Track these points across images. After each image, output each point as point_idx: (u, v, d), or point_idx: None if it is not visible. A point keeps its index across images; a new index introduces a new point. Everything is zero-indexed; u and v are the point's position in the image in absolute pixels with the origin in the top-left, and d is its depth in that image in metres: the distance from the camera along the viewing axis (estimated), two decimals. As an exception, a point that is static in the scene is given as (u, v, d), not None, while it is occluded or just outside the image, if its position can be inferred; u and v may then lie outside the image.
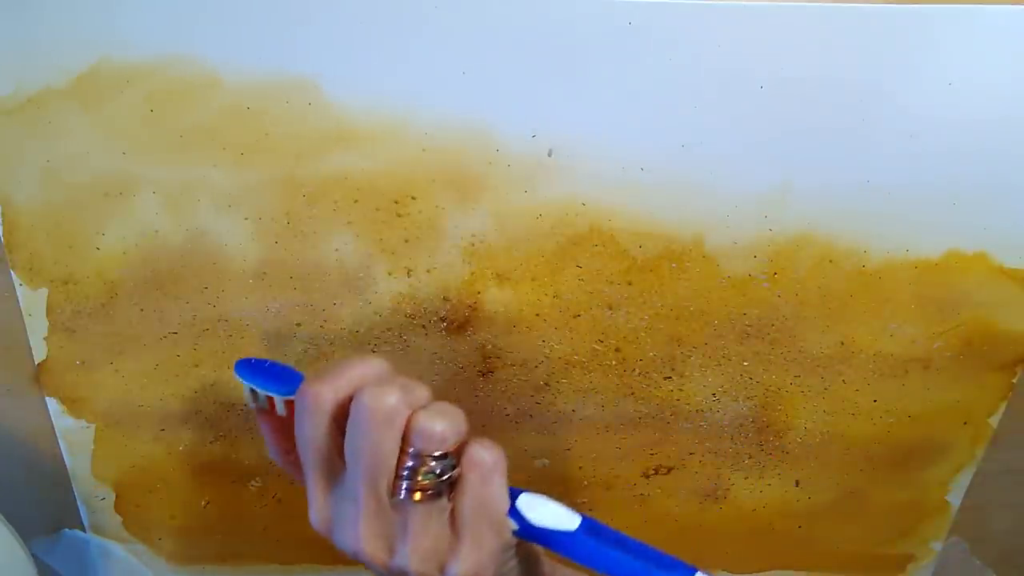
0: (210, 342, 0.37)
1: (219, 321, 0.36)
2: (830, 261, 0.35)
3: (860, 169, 0.33)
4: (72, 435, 0.39)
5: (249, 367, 0.29)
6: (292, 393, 0.27)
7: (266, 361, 0.30)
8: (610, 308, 0.36)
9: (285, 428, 0.28)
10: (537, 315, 0.36)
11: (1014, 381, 0.38)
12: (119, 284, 0.35)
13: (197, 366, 0.37)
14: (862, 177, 0.33)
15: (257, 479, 0.41)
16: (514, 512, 0.27)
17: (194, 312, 0.36)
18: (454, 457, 0.26)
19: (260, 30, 0.30)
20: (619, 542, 0.26)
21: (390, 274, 0.35)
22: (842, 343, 0.37)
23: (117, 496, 0.41)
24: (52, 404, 0.38)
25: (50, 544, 0.41)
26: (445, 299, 0.36)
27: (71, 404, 0.38)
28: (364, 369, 0.26)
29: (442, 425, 0.25)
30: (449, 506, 0.26)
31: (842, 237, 0.34)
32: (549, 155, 0.33)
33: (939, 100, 0.31)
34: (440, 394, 0.38)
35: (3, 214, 0.34)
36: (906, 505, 0.42)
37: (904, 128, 0.32)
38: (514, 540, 0.27)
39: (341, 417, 0.26)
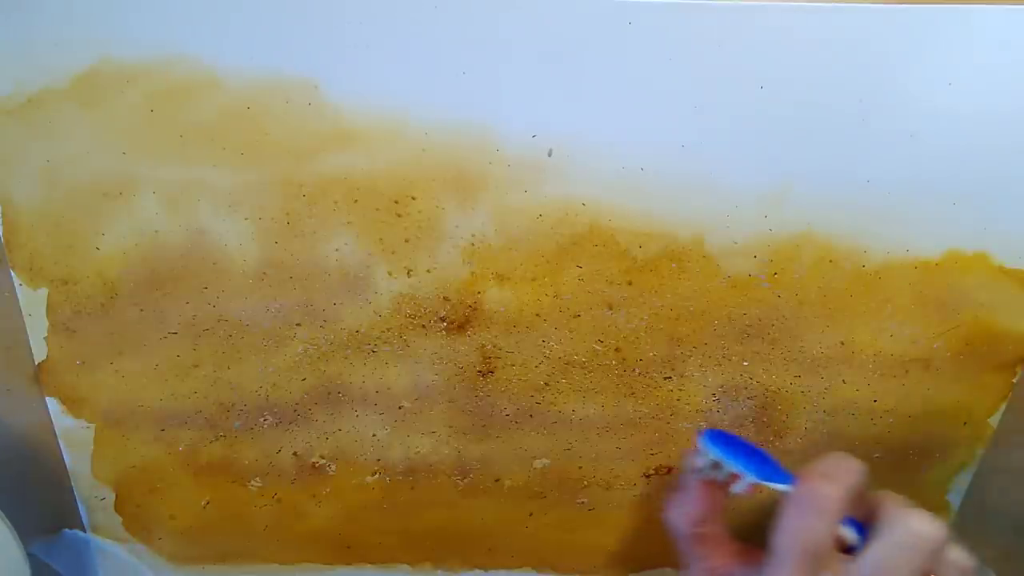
0: (210, 342, 0.37)
1: (219, 321, 0.36)
2: (830, 261, 0.35)
3: (860, 169, 0.33)
4: (72, 435, 0.39)
5: (717, 439, 0.31)
6: (776, 482, 0.29)
7: (727, 433, 0.32)
8: (610, 308, 0.36)
9: (717, 501, 0.31)
10: (537, 315, 0.36)
11: (1014, 381, 0.38)
12: (119, 284, 0.35)
13: (197, 366, 0.37)
14: (862, 177, 0.33)
15: (257, 479, 0.41)
16: None
17: (194, 312, 0.36)
18: None
19: (260, 30, 0.30)
20: None
21: (390, 274, 0.35)
22: (842, 343, 0.37)
23: (117, 496, 0.41)
24: (52, 404, 0.38)
25: (50, 544, 0.41)
26: (445, 299, 0.36)
27: (71, 404, 0.38)
28: (859, 475, 0.28)
29: (968, 561, 0.26)
30: None
31: (842, 237, 0.34)
32: (549, 155, 0.33)
33: (939, 100, 0.31)
34: (440, 394, 0.38)
35: (3, 214, 0.34)
36: (906, 505, 0.42)
37: (904, 128, 0.32)
38: None
39: (840, 519, 0.27)
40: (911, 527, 0.26)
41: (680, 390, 0.38)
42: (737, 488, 0.30)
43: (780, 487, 0.29)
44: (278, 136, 0.32)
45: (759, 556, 0.30)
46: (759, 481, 0.29)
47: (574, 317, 0.36)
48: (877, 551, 0.26)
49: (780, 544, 0.27)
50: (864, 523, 0.29)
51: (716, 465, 0.31)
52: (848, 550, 0.28)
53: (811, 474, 0.27)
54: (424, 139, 0.32)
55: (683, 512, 0.32)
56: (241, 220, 0.34)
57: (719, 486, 0.31)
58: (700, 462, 0.31)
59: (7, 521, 0.35)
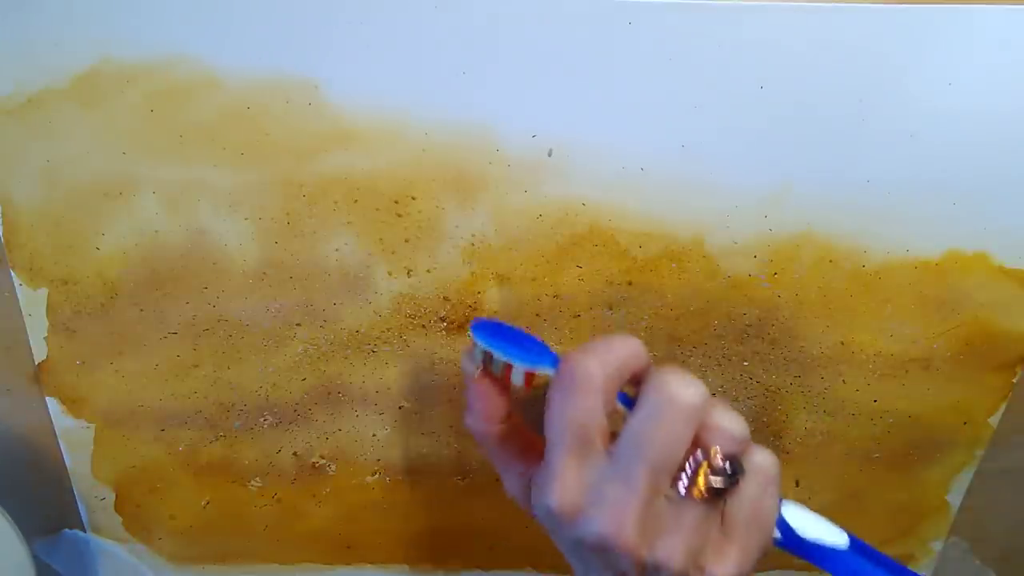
0: (210, 342, 0.37)
1: (219, 321, 0.36)
2: (830, 261, 0.35)
3: (860, 169, 0.33)
4: (72, 435, 0.39)
5: (486, 329, 0.28)
6: (539, 364, 0.27)
7: (500, 323, 0.29)
8: (610, 308, 0.36)
9: (502, 396, 0.28)
10: (537, 315, 0.36)
11: (1014, 381, 0.38)
12: (119, 284, 0.35)
13: (197, 366, 0.37)
14: (862, 177, 0.33)
15: (257, 479, 0.41)
16: (780, 522, 0.26)
17: (194, 312, 0.36)
18: (739, 461, 0.25)
19: (260, 30, 0.30)
20: (886, 564, 0.26)
21: (390, 274, 0.35)
22: (842, 343, 0.37)
23: (117, 496, 0.41)
24: (52, 404, 0.38)
25: (50, 544, 0.41)
26: (445, 299, 0.36)
27: (71, 404, 0.38)
28: (627, 350, 0.25)
29: (739, 425, 0.25)
30: (722, 507, 0.25)
31: (842, 237, 0.34)
32: (549, 155, 0.33)
33: (939, 100, 0.31)
34: (440, 394, 0.38)
35: (3, 214, 0.34)
36: (906, 505, 0.42)
37: (904, 128, 0.32)
38: (772, 550, 0.26)
39: (610, 396, 0.25)
40: (666, 393, 0.24)
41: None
42: (514, 379, 0.27)
43: (543, 371, 0.27)
44: (278, 136, 0.32)
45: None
46: (524, 366, 0.27)
47: (574, 317, 0.36)
48: (636, 420, 0.24)
49: (549, 429, 0.25)
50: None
51: (491, 358, 0.28)
52: None
53: (573, 353, 0.25)
54: (424, 139, 0.32)
55: (475, 415, 0.29)
56: (241, 220, 0.34)
57: (500, 379, 0.28)
58: (476, 357, 0.28)
59: (12, 521, 0.35)
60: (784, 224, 0.34)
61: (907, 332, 0.37)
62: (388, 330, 0.37)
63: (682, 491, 0.24)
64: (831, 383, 0.38)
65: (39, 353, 0.37)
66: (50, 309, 0.36)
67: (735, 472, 0.24)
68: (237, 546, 0.43)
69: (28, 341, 0.37)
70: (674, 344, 0.37)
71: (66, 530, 0.42)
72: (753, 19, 0.30)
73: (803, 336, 0.37)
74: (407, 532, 0.43)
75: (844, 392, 0.38)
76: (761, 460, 0.25)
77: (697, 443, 0.24)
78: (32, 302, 0.36)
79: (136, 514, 0.42)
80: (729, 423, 0.25)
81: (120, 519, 0.42)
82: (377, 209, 0.34)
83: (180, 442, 0.39)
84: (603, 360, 0.25)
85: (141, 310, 0.36)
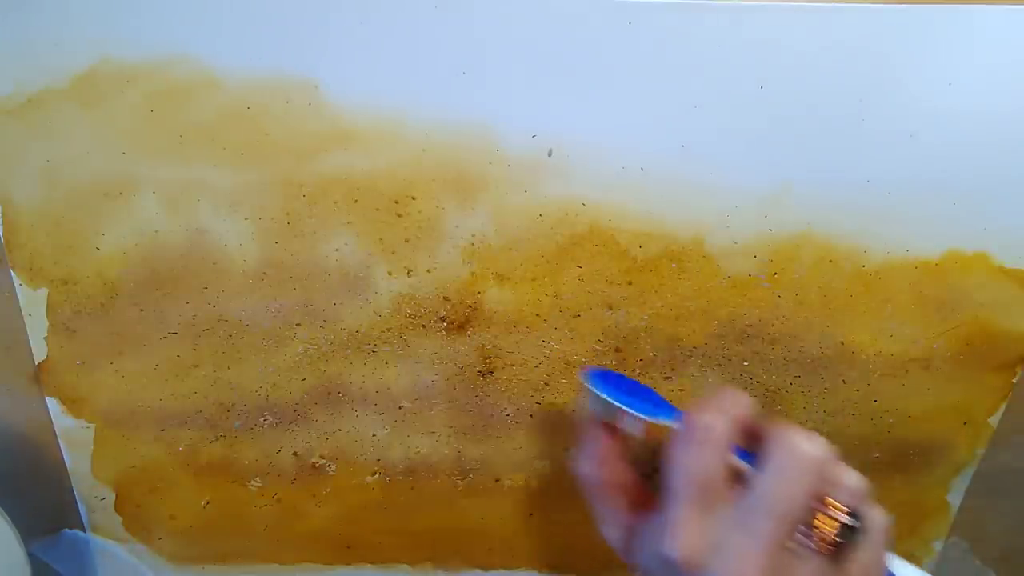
0: (210, 342, 0.37)
1: (219, 321, 0.36)
2: (830, 261, 0.35)
3: (860, 169, 0.33)
4: (72, 435, 0.39)
5: (601, 378, 0.30)
6: (659, 416, 0.28)
7: (614, 373, 0.31)
8: (610, 308, 0.36)
9: (616, 444, 0.30)
10: (537, 315, 0.36)
11: (1014, 381, 0.38)
12: (119, 284, 0.35)
13: (197, 366, 0.37)
14: (862, 177, 0.33)
15: (257, 479, 0.41)
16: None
17: (194, 312, 0.36)
18: (861, 518, 0.26)
19: (260, 30, 0.30)
20: None
21: (390, 274, 0.35)
22: (842, 343, 0.37)
23: (117, 496, 0.41)
24: (52, 404, 0.38)
25: (50, 544, 0.41)
26: (445, 299, 0.36)
27: (71, 404, 0.38)
28: (742, 405, 0.27)
29: (859, 481, 0.26)
30: (841, 561, 0.26)
31: (842, 237, 0.34)
32: (549, 155, 0.33)
33: (939, 100, 0.31)
34: (440, 394, 0.38)
35: (3, 214, 0.34)
36: (906, 505, 0.42)
37: (904, 128, 0.32)
38: None
39: (728, 450, 0.26)
40: (792, 448, 0.25)
41: (680, 390, 0.38)
42: (628, 427, 0.29)
43: (667, 422, 0.28)
44: (278, 136, 0.32)
45: (656, 510, 0.29)
46: (644, 417, 0.28)
47: (574, 317, 0.36)
48: (763, 477, 0.25)
49: (671, 480, 0.26)
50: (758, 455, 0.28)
51: (605, 406, 0.29)
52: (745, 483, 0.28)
53: (695, 407, 0.27)
54: (424, 139, 0.32)
55: (587, 461, 0.30)
56: (241, 220, 0.34)
57: (612, 429, 0.30)
58: (590, 404, 0.30)
59: (9, 521, 0.35)
60: (784, 224, 0.34)
61: (907, 332, 0.37)
62: (388, 330, 0.37)
63: (804, 544, 0.25)
64: (831, 383, 0.38)
65: (39, 353, 0.37)
66: (50, 309, 0.36)
67: (856, 526, 0.25)
68: (237, 546, 0.43)
69: (28, 341, 0.37)
70: (674, 344, 0.37)
71: (66, 530, 0.42)
72: (753, 19, 0.30)
73: (803, 336, 0.37)
74: (407, 532, 0.43)
75: (844, 392, 0.38)
76: (876, 516, 0.26)
77: (818, 497, 0.25)
78: (32, 302, 0.36)
79: (136, 514, 0.42)
80: (850, 478, 0.26)
81: (120, 519, 0.42)
82: (377, 209, 0.34)
83: (180, 442, 0.39)
84: (724, 415, 0.26)
85: (141, 310, 0.36)
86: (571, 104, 0.32)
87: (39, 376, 0.38)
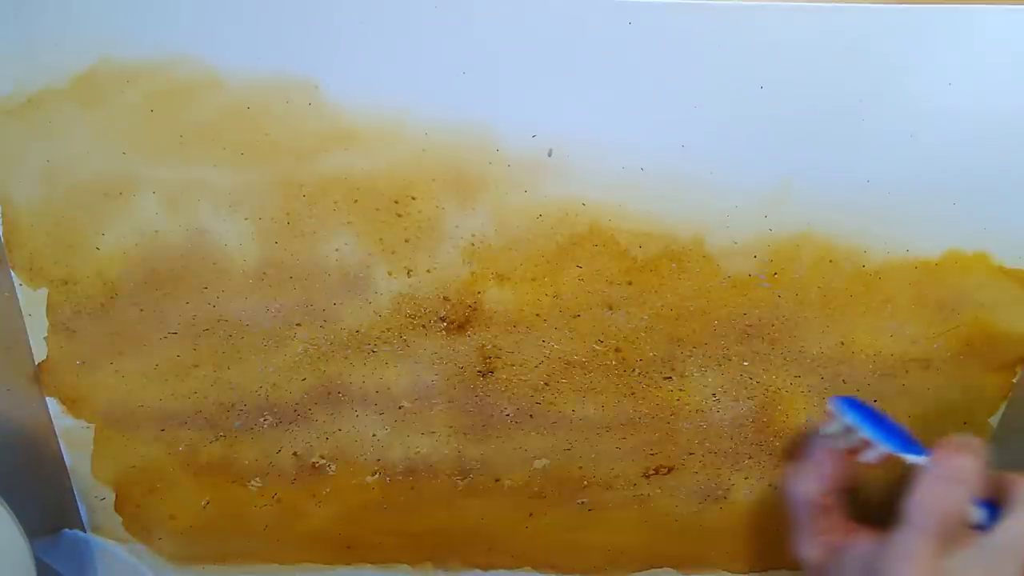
0: (210, 342, 0.37)
1: (219, 321, 0.36)
2: (830, 261, 0.35)
3: (860, 169, 0.33)
4: (72, 435, 0.39)
5: (852, 407, 0.32)
6: (911, 453, 0.30)
7: (860, 402, 0.33)
8: (610, 308, 0.36)
9: (843, 470, 0.31)
10: (537, 315, 0.36)
11: (1014, 381, 0.38)
12: (119, 284, 0.35)
13: (197, 366, 0.37)
14: (862, 177, 0.33)
15: (257, 479, 0.41)
16: None
17: (194, 312, 0.36)
18: None
19: (260, 30, 0.30)
20: None
21: (390, 274, 0.35)
22: (842, 343, 0.37)
23: (117, 496, 0.41)
24: (52, 404, 0.38)
25: (50, 544, 0.41)
26: (445, 299, 0.36)
27: (71, 404, 0.38)
28: (983, 452, 0.29)
29: None
30: None
31: (842, 237, 0.34)
32: (549, 155, 0.33)
33: (939, 100, 0.31)
34: (440, 394, 0.38)
35: (3, 214, 0.34)
36: (906, 505, 0.42)
37: (904, 128, 0.32)
38: None
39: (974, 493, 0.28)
40: None
41: (680, 390, 0.38)
42: (867, 457, 0.30)
43: (913, 458, 0.29)
44: (278, 136, 0.32)
45: (870, 535, 0.31)
46: (892, 451, 0.30)
47: (574, 317, 0.36)
48: (1011, 527, 0.27)
49: (914, 513, 0.28)
50: (989, 502, 0.30)
51: (847, 432, 0.31)
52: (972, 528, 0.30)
53: (948, 446, 0.28)
54: (424, 139, 0.32)
55: (809, 480, 0.32)
56: (241, 220, 0.34)
57: (847, 455, 0.31)
58: (832, 428, 0.32)
59: (17, 521, 0.35)
60: (784, 224, 0.34)
61: (907, 332, 0.37)
62: (388, 330, 0.37)
63: None
64: (831, 383, 0.38)
65: (39, 353, 0.37)
66: (50, 309, 0.36)
67: None
68: (237, 546, 0.43)
69: (28, 341, 0.37)
70: (674, 344, 0.37)
71: (66, 530, 0.42)
72: (753, 19, 0.30)
73: (803, 336, 0.37)
74: (407, 532, 0.43)
75: (844, 392, 0.38)
76: None
77: None
78: (32, 302, 0.36)
79: (136, 514, 0.42)
80: None
81: (120, 519, 0.42)
82: (377, 209, 0.34)
83: (180, 442, 0.39)
84: (976, 459, 0.28)
85: (141, 310, 0.36)
86: (571, 104, 0.32)
87: (39, 376, 0.38)
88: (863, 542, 0.32)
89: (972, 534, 0.28)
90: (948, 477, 0.28)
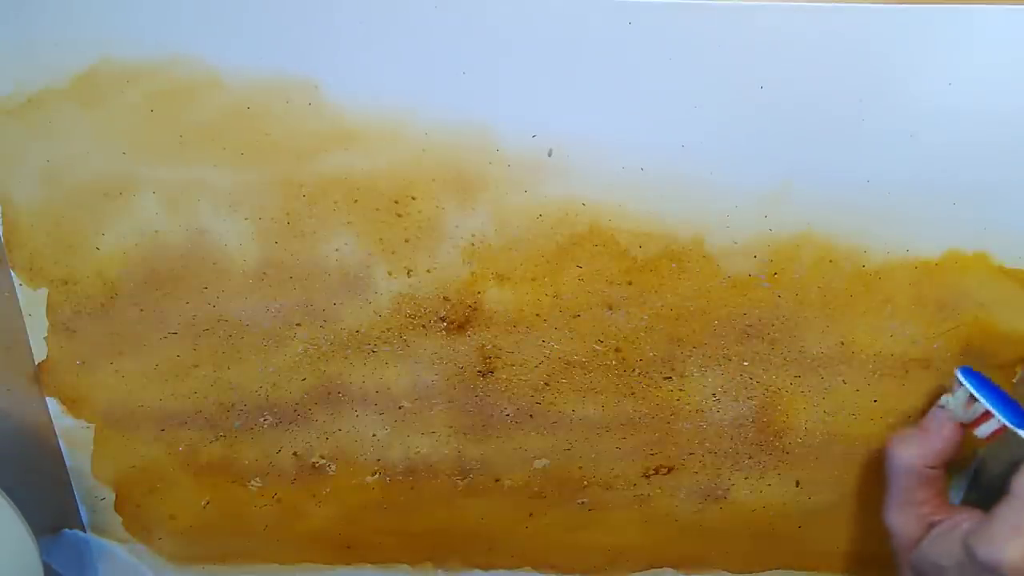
0: (210, 342, 0.37)
1: (219, 321, 0.36)
2: (830, 261, 0.35)
3: (860, 169, 0.33)
4: (72, 435, 0.39)
5: (976, 380, 0.32)
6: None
7: (983, 376, 0.33)
8: (610, 308, 0.36)
9: (954, 443, 0.31)
10: (537, 315, 0.36)
11: (1014, 381, 0.38)
12: (119, 284, 0.35)
13: (197, 366, 0.37)
14: (862, 177, 0.33)
15: (257, 479, 0.41)
16: None
17: (194, 312, 0.36)
18: None
19: (260, 30, 0.30)
20: None
21: (390, 274, 0.35)
22: (842, 343, 0.37)
23: (117, 496, 0.41)
24: (52, 404, 0.38)
25: (50, 544, 0.41)
26: (445, 299, 0.36)
27: (71, 404, 0.38)
28: None
29: None
30: None
31: (842, 237, 0.34)
32: (549, 155, 0.33)
33: (939, 100, 0.31)
34: (440, 394, 0.38)
35: (3, 214, 0.34)
36: (906, 505, 0.42)
37: (904, 128, 0.32)
38: None
39: None
40: None
41: (680, 390, 0.38)
42: (983, 430, 0.30)
43: None
44: (278, 136, 0.32)
45: (970, 513, 0.30)
46: (1011, 426, 0.29)
47: (574, 317, 0.36)
48: None
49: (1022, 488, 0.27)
50: None
51: (968, 403, 0.31)
52: None
53: None
54: (424, 139, 0.32)
55: (916, 447, 0.31)
56: (241, 220, 0.34)
57: (961, 428, 0.31)
58: (953, 399, 0.32)
59: (24, 521, 0.35)
60: (784, 224, 0.34)
61: (907, 332, 0.37)
62: (388, 330, 0.37)
63: None
64: (831, 383, 0.38)
65: (39, 353, 0.37)
66: (50, 309, 0.36)
67: None
68: (237, 546, 0.43)
69: (28, 341, 0.37)
70: (674, 344, 0.37)
71: (66, 530, 0.42)
72: (753, 19, 0.30)
73: (803, 336, 0.37)
74: (407, 532, 0.43)
75: (844, 392, 0.38)
76: None
77: None
78: (32, 302, 0.36)
79: (136, 514, 0.42)
80: None
81: (120, 519, 0.42)
82: (377, 209, 0.34)
83: (180, 442, 0.39)
84: None
85: (141, 310, 0.36)
86: (571, 104, 0.32)
87: (39, 376, 0.38)
88: (963, 518, 0.31)
89: None
90: None
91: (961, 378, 0.32)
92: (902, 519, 0.33)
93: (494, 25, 0.30)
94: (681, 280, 0.35)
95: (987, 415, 0.31)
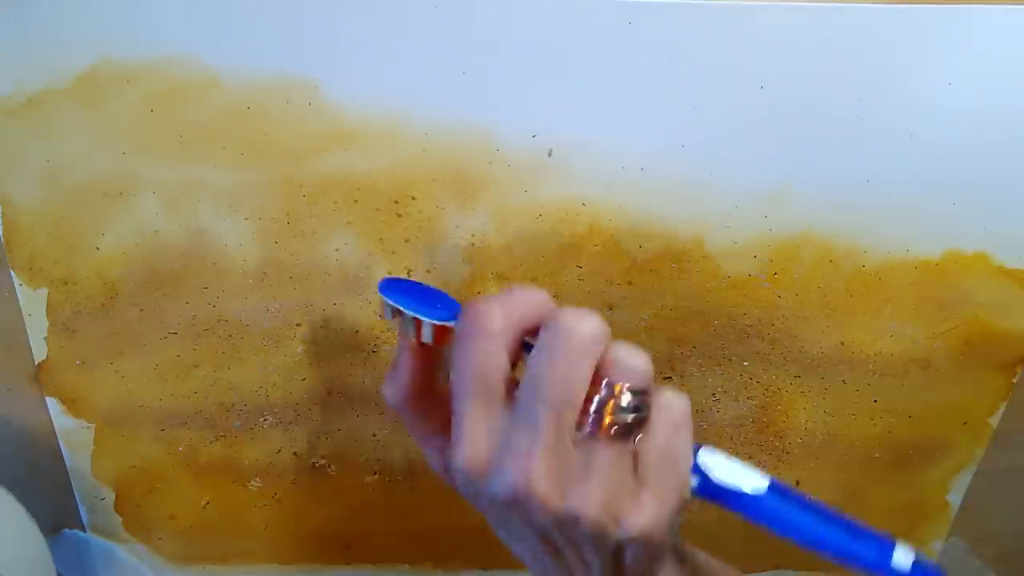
0: (210, 342, 0.37)
1: (219, 321, 0.36)
2: (830, 261, 0.35)
3: (860, 169, 0.33)
4: (72, 435, 0.39)
5: (395, 287, 0.27)
6: (448, 319, 0.25)
7: (411, 282, 0.28)
8: (610, 308, 0.36)
9: (420, 361, 0.26)
10: (537, 315, 0.36)
11: (1014, 381, 0.38)
12: (119, 284, 0.35)
13: (197, 366, 0.37)
14: (862, 177, 0.33)
15: (257, 479, 0.41)
16: (695, 468, 0.25)
17: (194, 312, 0.36)
18: (645, 397, 0.24)
19: (260, 30, 0.30)
20: (809, 507, 0.24)
21: (390, 274, 0.35)
22: (842, 343, 0.37)
23: (117, 496, 0.41)
24: (52, 404, 0.38)
25: (50, 544, 0.41)
26: (445, 299, 0.36)
27: (71, 404, 0.38)
28: (531, 297, 0.24)
29: (642, 359, 0.23)
30: (633, 450, 0.24)
31: (842, 237, 0.34)
32: (549, 155, 0.33)
33: (939, 100, 0.31)
34: (440, 394, 0.38)
35: (3, 214, 0.34)
36: (906, 505, 0.42)
37: (904, 128, 0.32)
38: (689, 500, 0.25)
39: (511, 343, 0.23)
40: (560, 326, 0.22)
41: (679, 389, 0.38)
42: (424, 337, 0.25)
43: (449, 322, 0.25)
44: (278, 136, 0.32)
45: None
46: (433, 320, 0.25)
47: (574, 317, 0.36)
48: (532, 360, 0.23)
49: (454, 380, 0.24)
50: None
51: (399, 315, 0.26)
52: None
53: (475, 302, 0.24)
54: (424, 139, 0.32)
55: (393, 384, 0.27)
56: (241, 220, 0.34)
57: (425, 352, 0.26)
58: (385, 314, 0.27)
59: (31, 517, 0.35)
60: (784, 224, 0.34)
61: (907, 332, 0.37)
62: (388, 330, 0.37)
63: (590, 430, 0.23)
64: (831, 383, 0.38)
65: (39, 353, 0.37)
66: (50, 309, 0.36)
67: (641, 407, 0.23)
68: (237, 546, 0.43)
69: (28, 341, 0.37)
70: (674, 344, 0.37)
71: (66, 530, 0.42)
72: (753, 19, 0.30)
73: (803, 336, 0.37)
74: (407, 532, 0.43)
75: (844, 392, 0.38)
76: (670, 399, 0.24)
77: (599, 381, 0.23)
78: (32, 302, 0.36)
79: (136, 514, 0.42)
80: (630, 358, 0.23)
81: (120, 519, 0.42)
82: (377, 209, 0.34)
83: (180, 442, 0.39)
84: (504, 305, 0.24)
85: (141, 310, 0.36)
86: (571, 104, 0.32)
87: (39, 376, 0.38)
88: None
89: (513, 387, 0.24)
90: (471, 333, 0.23)
91: (379, 291, 0.27)
92: (433, 461, 0.28)
93: (494, 25, 0.30)
94: (681, 280, 0.35)
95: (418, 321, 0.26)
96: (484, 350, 0.23)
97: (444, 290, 0.35)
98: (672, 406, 0.24)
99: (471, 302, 0.24)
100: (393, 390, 0.27)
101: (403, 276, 0.33)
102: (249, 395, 0.38)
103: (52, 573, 0.35)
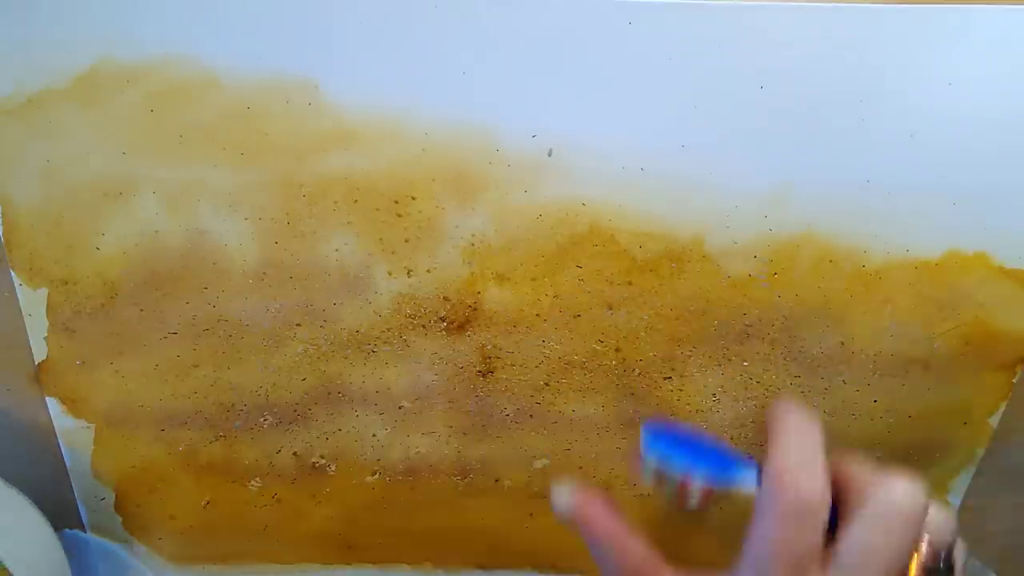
0: (210, 342, 0.37)
1: (219, 321, 0.36)
2: (830, 261, 0.35)
3: (860, 169, 0.33)
4: (72, 435, 0.39)
5: (659, 436, 0.24)
6: (735, 479, 0.23)
7: (673, 426, 0.25)
8: (610, 308, 0.36)
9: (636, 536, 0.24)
10: (537, 315, 0.36)
11: (1014, 381, 0.38)
12: (119, 284, 0.35)
13: (197, 366, 0.37)
14: (862, 177, 0.33)
15: (257, 479, 0.41)
16: None
17: (194, 312, 0.36)
18: (950, 554, 0.23)
19: (260, 30, 0.30)
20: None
21: (390, 274, 0.35)
22: (842, 343, 0.37)
23: (117, 496, 0.41)
24: (52, 404, 0.38)
25: (50, 544, 0.41)
26: (445, 299, 0.36)
27: (71, 404, 0.38)
28: (820, 440, 0.22)
29: (951, 520, 0.23)
30: None
31: (842, 237, 0.34)
32: (549, 155, 0.33)
33: (939, 100, 0.31)
34: (440, 394, 0.38)
35: (3, 214, 0.34)
36: (906, 505, 0.42)
37: (904, 128, 0.32)
38: None
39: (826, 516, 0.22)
40: (895, 501, 0.21)
41: (680, 390, 0.38)
42: (691, 499, 0.23)
43: (743, 487, 0.23)
44: (278, 136, 0.32)
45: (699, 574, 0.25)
46: (714, 485, 0.23)
47: (574, 317, 0.36)
48: (859, 534, 0.22)
49: (757, 553, 0.22)
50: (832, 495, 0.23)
51: (659, 476, 0.24)
52: None
53: (784, 467, 0.22)
54: (424, 139, 0.32)
55: (605, 556, 0.25)
56: (241, 220, 0.34)
57: (676, 500, 0.25)
58: (646, 469, 0.24)
59: (42, 515, 0.35)
60: (784, 224, 0.34)
61: (907, 332, 0.37)
62: (388, 330, 0.37)
63: None
64: (831, 383, 0.38)
65: (39, 353, 0.37)
66: (50, 309, 0.36)
67: (950, 568, 0.23)
68: (237, 546, 0.43)
69: (28, 341, 0.37)
70: (674, 344, 0.37)
71: (66, 530, 0.42)
72: (753, 19, 0.30)
73: (803, 336, 0.37)
74: (407, 532, 0.43)
75: (844, 392, 0.38)
76: (961, 549, 0.24)
77: (915, 545, 0.23)
78: (32, 302, 0.36)
79: (136, 514, 0.42)
80: (940, 517, 0.23)
81: (120, 519, 0.42)
82: (377, 209, 0.34)
83: (180, 442, 0.39)
84: (818, 472, 0.22)
85: (141, 310, 0.36)
86: (571, 104, 0.32)
87: (39, 376, 0.38)
88: None
89: (825, 557, 0.22)
90: (792, 511, 0.21)
91: (644, 438, 0.24)
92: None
93: (494, 25, 0.30)
94: (681, 280, 0.35)
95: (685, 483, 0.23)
96: (808, 535, 0.22)
97: (445, 290, 0.35)
98: (964, 557, 0.24)
99: (785, 470, 0.22)
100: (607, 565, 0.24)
101: (663, 422, 0.28)
102: (249, 395, 0.38)
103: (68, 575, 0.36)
